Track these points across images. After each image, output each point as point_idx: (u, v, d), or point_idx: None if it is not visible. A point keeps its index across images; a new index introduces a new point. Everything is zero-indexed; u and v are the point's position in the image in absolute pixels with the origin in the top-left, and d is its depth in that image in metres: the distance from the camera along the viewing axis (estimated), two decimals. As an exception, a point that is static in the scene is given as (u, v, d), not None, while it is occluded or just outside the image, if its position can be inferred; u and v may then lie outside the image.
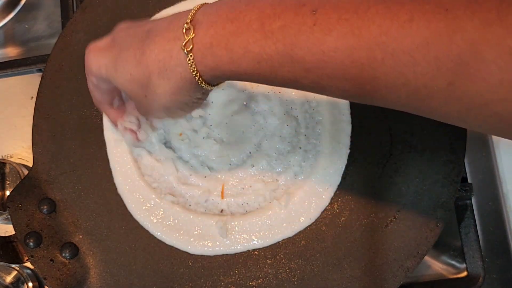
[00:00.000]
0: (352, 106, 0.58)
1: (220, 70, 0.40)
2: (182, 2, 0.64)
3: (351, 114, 0.58)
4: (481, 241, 0.60)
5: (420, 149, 0.55)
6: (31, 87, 0.71)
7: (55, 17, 0.76)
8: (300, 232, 0.55)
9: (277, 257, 0.54)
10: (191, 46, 0.40)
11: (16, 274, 0.63)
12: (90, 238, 0.57)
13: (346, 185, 0.56)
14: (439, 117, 0.37)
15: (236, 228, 0.55)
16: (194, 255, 0.55)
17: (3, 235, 0.63)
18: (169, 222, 0.56)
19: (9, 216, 0.57)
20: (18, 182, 0.60)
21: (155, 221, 0.56)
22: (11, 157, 0.69)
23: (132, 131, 0.56)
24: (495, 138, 0.61)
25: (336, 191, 0.56)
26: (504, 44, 0.30)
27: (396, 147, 0.56)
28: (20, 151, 0.70)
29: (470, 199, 0.61)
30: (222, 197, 0.57)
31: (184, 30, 0.40)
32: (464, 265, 0.60)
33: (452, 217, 0.61)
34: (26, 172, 0.66)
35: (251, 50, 0.38)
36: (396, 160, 0.55)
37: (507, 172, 0.59)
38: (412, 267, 0.52)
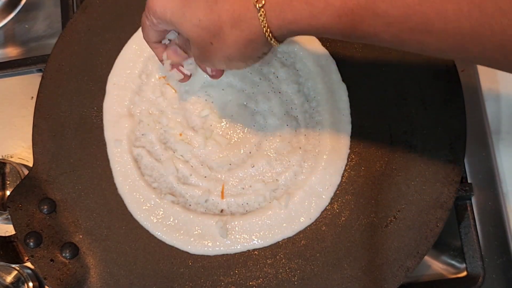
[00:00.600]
0: (352, 106, 0.58)
1: (298, 24, 0.40)
2: (182, 2, 0.64)
3: (351, 114, 0.58)
4: (481, 241, 0.60)
5: (420, 149, 0.55)
6: (31, 87, 0.71)
7: (55, 17, 0.76)
8: (300, 232, 0.55)
9: (277, 257, 0.54)
10: (263, 1, 0.40)
11: (16, 274, 0.63)
12: (90, 238, 0.57)
13: (346, 185, 0.56)
14: None
15: (236, 228, 0.55)
16: (194, 255, 0.55)
17: (3, 235, 0.63)
18: (169, 222, 0.56)
19: (9, 216, 0.57)
20: (18, 182, 0.60)
21: (155, 221, 0.56)
22: (11, 157, 0.69)
23: (180, 71, 0.56)
24: (495, 138, 0.61)
25: (336, 191, 0.56)
26: None
27: (396, 147, 0.56)
28: (21, 151, 0.70)
29: (470, 199, 0.61)
30: (222, 197, 0.57)
31: None
32: (464, 265, 0.60)
33: (452, 217, 0.61)
34: (26, 172, 0.66)
35: (333, 4, 0.38)
36: (396, 160, 0.55)
37: (507, 172, 0.59)
38: (412, 267, 0.52)
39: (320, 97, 0.59)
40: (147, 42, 0.54)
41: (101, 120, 0.61)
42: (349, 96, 0.58)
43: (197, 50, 0.47)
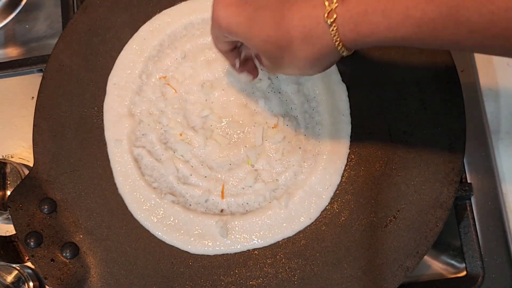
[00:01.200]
0: (352, 106, 0.58)
1: (374, 37, 0.39)
2: (183, 3, 0.64)
3: (351, 114, 0.58)
4: (480, 241, 0.60)
5: (419, 149, 0.55)
6: (32, 87, 0.72)
7: (55, 18, 0.76)
8: (300, 232, 0.55)
9: (277, 256, 0.54)
10: (334, 16, 0.39)
11: (17, 274, 0.63)
12: (90, 238, 0.57)
13: (346, 185, 0.56)
14: None
15: (236, 228, 0.55)
16: (194, 254, 0.56)
17: (4, 235, 0.63)
18: (169, 222, 0.56)
19: (9, 216, 0.57)
20: (18, 182, 0.60)
21: (155, 220, 0.57)
22: (11, 157, 0.69)
23: (250, 73, 0.55)
24: (494, 137, 0.61)
25: (336, 191, 0.56)
26: None
27: (395, 147, 0.56)
28: (21, 151, 0.70)
29: (470, 199, 0.61)
30: (222, 197, 0.57)
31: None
32: (463, 265, 0.60)
33: (452, 217, 0.61)
34: (26, 172, 0.66)
35: (412, 15, 0.37)
36: (396, 160, 0.55)
37: (506, 172, 0.59)
38: (411, 267, 0.52)
39: (320, 97, 0.59)
40: (218, 51, 0.52)
41: (102, 120, 0.61)
42: (349, 96, 0.59)
43: (269, 62, 0.47)
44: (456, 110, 0.56)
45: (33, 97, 0.71)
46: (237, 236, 0.55)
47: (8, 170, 0.65)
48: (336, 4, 0.39)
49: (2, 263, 0.62)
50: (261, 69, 0.60)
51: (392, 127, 0.57)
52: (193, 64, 0.62)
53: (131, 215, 0.57)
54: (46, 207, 0.57)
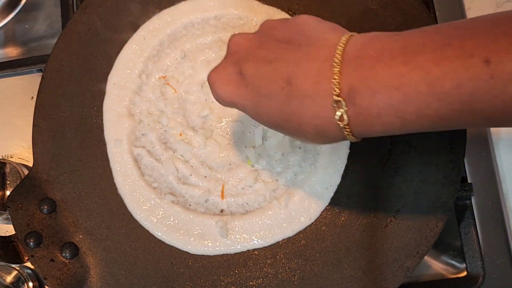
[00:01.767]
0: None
1: (389, 132, 0.39)
2: (182, 2, 0.64)
3: (351, 114, 0.58)
4: (481, 241, 0.60)
5: (420, 149, 0.55)
6: (32, 87, 0.71)
7: (55, 17, 0.76)
8: (300, 232, 0.55)
9: (277, 257, 0.54)
10: (346, 119, 0.38)
11: (17, 274, 0.63)
12: (90, 238, 0.57)
13: (346, 185, 0.56)
14: None
15: (236, 228, 0.55)
16: (194, 255, 0.55)
17: (3, 235, 0.63)
18: (169, 222, 0.56)
19: (9, 216, 0.57)
20: (18, 182, 0.60)
21: (155, 221, 0.57)
22: (11, 157, 0.69)
23: None
24: (495, 138, 0.61)
25: (336, 191, 0.56)
26: None
27: (396, 147, 0.56)
28: (21, 151, 0.70)
29: (470, 199, 0.61)
30: (222, 197, 0.57)
31: (335, 100, 0.38)
32: (464, 265, 0.60)
33: (452, 217, 0.61)
34: (26, 172, 0.66)
35: (425, 114, 0.36)
36: (396, 160, 0.55)
37: (507, 172, 0.59)
38: (412, 267, 0.52)
39: (320, 97, 0.58)
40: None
41: (101, 120, 0.61)
42: (349, 96, 0.58)
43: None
44: (457, 110, 0.56)
45: (32, 97, 0.71)
46: (237, 236, 0.55)
47: (7, 170, 0.65)
48: (346, 108, 0.38)
49: (2, 263, 0.62)
50: None
51: (392, 127, 0.57)
52: (193, 64, 0.62)
53: (131, 215, 0.57)
54: (45, 207, 0.57)
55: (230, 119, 0.59)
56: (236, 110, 0.59)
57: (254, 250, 0.55)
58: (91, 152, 0.60)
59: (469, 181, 0.62)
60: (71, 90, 0.62)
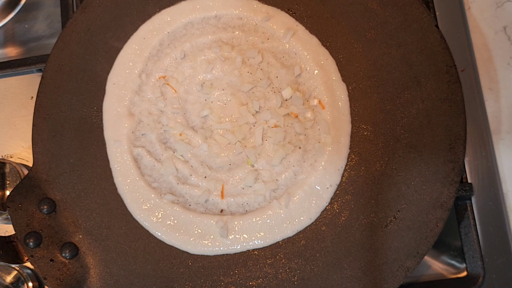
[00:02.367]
0: (352, 106, 0.58)
1: None
2: (182, 2, 0.64)
3: (351, 114, 0.58)
4: (481, 241, 0.60)
5: (420, 149, 0.55)
6: (31, 87, 0.72)
7: (55, 17, 0.76)
8: (300, 232, 0.55)
9: (277, 257, 0.54)
10: None
11: (16, 274, 0.63)
12: (90, 238, 0.57)
13: (346, 185, 0.56)
14: None
15: (236, 228, 0.55)
16: (194, 255, 0.55)
17: (3, 235, 0.63)
18: (169, 222, 0.56)
19: (9, 216, 0.57)
20: (18, 182, 0.60)
21: (155, 221, 0.56)
22: (11, 157, 0.69)
23: None
24: (495, 138, 0.61)
25: (336, 191, 0.56)
26: None
27: (396, 147, 0.56)
28: (20, 151, 0.70)
29: (470, 199, 0.61)
30: (222, 197, 0.57)
31: None
32: (464, 265, 0.60)
33: (452, 217, 0.61)
34: (26, 172, 0.66)
35: None
36: (396, 160, 0.55)
37: (507, 172, 0.59)
38: (412, 267, 0.52)
39: (320, 97, 0.59)
40: None
41: (101, 120, 0.61)
42: (349, 96, 0.58)
43: None
44: (457, 110, 0.56)
45: (32, 97, 0.71)
46: (237, 236, 0.55)
47: (7, 170, 0.65)
48: None
49: (2, 263, 0.62)
50: (261, 69, 0.60)
51: (392, 127, 0.57)
52: (192, 63, 0.62)
53: (131, 215, 0.57)
54: (45, 207, 0.57)
55: (230, 119, 0.59)
56: (236, 110, 0.60)
57: (254, 250, 0.55)
58: (91, 152, 0.60)
59: (469, 181, 0.62)
60: (70, 90, 0.62)
